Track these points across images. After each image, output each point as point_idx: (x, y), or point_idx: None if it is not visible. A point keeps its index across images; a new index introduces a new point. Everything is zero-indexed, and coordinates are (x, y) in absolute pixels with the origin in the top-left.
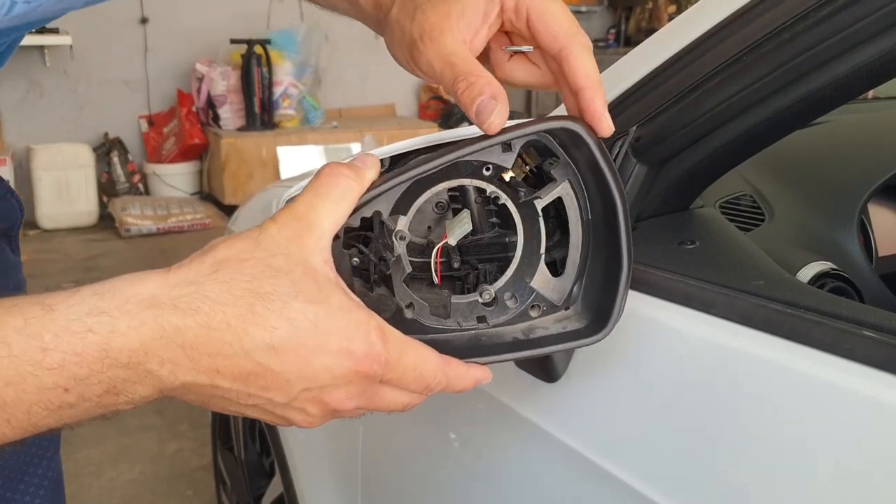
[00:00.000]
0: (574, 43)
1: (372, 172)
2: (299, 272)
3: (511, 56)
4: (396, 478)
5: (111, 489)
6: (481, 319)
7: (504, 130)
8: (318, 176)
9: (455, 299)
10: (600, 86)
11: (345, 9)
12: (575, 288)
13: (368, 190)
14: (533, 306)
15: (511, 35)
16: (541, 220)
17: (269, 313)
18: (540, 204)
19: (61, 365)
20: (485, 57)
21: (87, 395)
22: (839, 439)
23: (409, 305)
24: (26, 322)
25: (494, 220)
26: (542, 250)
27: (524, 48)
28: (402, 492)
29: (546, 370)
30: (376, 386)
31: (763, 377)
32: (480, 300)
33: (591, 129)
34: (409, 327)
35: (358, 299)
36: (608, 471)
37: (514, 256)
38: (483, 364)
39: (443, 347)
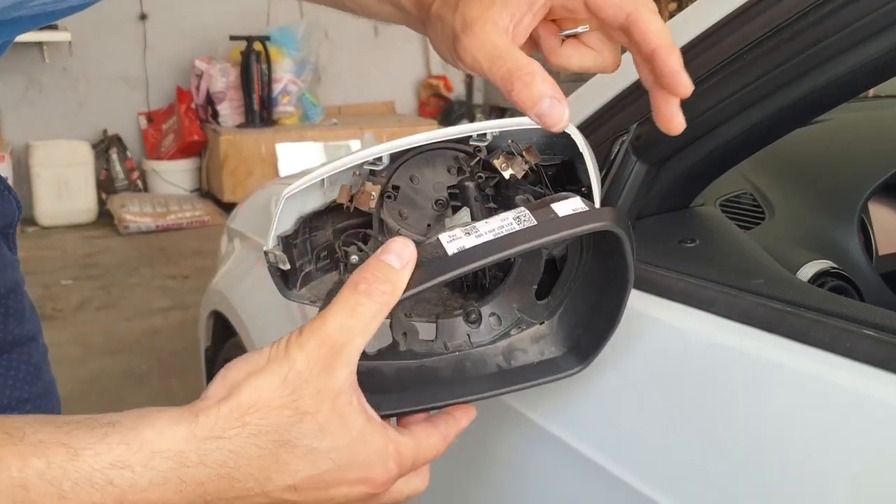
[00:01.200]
0: (641, 6)
1: (407, 273)
2: (326, 410)
3: (563, 41)
4: None
5: None
6: (465, 337)
7: (545, 225)
8: (354, 289)
9: (442, 319)
10: (674, 45)
11: (388, 13)
12: (555, 306)
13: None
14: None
15: (558, 21)
16: (543, 259)
17: (293, 458)
18: (545, 254)
19: None
20: (531, 46)
21: None
22: (839, 438)
23: (404, 335)
24: (48, 466)
25: (492, 205)
26: (535, 283)
27: (580, 29)
28: None
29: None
30: (383, 493)
31: (763, 376)
32: (465, 318)
33: (627, 226)
34: (402, 357)
35: (378, 419)
36: (608, 469)
37: (508, 278)
38: (466, 403)
39: (432, 377)
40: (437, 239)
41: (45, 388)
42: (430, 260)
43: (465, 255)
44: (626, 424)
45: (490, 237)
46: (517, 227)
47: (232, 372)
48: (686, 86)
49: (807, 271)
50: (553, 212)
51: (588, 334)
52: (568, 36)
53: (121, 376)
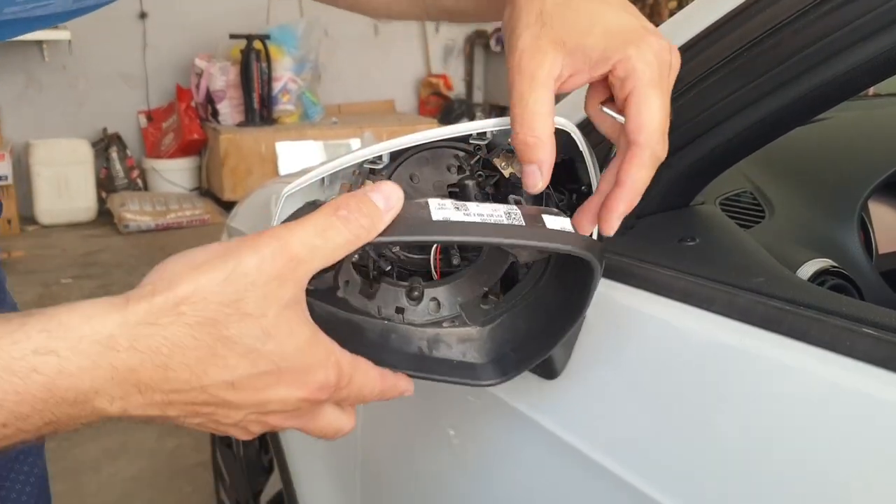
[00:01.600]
0: (645, 148)
1: (389, 217)
2: (272, 316)
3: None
4: (395, 474)
5: (110, 485)
6: (399, 311)
7: (533, 231)
8: (333, 211)
9: (386, 282)
10: (636, 194)
11: (477, 7)
12: (493, 316)
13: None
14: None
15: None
16: (506, 266)
17: (231, 354)
18: (512, 260)
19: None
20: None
21: (25, 429)
22: (839, 437)
23: (347, 283)
24: None
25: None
26: (488, 286)
27: (618, 118)
28: (401, 488)
29: (545, 367)
30: (318, 408)
31: (762, 374)
32: (408, 293)
33: (602, 264)
34: (335, 303)
35: (317, 329)
36: (607, 468)
37: (462, 272)
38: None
39: (359, 335)
40: (426, 202)
41: None
42: (412, 217)
43: (447, 225)
44: (625, 423)
45: (476, 220)
46: (504, 221)
47: (170, 264)
48: (608, 230)
49: (807, 270)
50: (542, 221)
51: (515, 354)
52: (607, 114)
53: None
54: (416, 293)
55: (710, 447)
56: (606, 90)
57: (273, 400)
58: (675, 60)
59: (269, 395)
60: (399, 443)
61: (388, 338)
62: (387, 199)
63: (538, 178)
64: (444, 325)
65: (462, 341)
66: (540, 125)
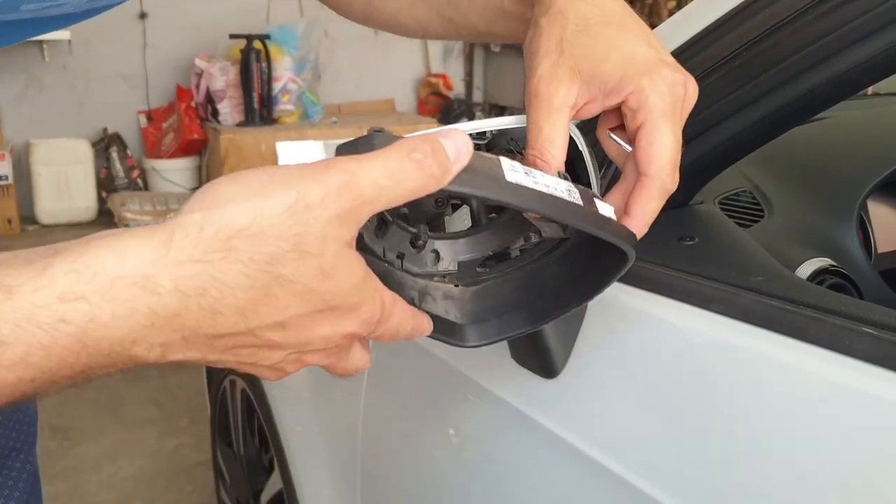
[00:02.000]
0: (655, 181)
1: (457, 168)
2: (329, 256)
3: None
4: (395, 473)
5: (110, 484)
6: (400, 256)
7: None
8: (407, 153)
9: (398, 225)
10: (644, 225)
11: (508, 30)
12: (479, 282)
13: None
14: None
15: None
16: (521, 237)
17: (285, 294)
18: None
19: (24, 360)
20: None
21: (56, 380)
22: (838, 436)
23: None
24: None
25: (493, 215)
26: (493, 252)
27: (626, 146)
28: (401, 487)
29: (544, 366)
30: (351, 344)
31: (762, 374)
32: (412, 240)
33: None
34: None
35: (367, 266)
36: (607, 467)
37: (472, 231)
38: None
39: None
40: (499, 160)
41: None
42: (484, 172)
43: (520, 190)
44: (625, 422)
45: (544, 189)
46: (566, 198)
47: (221, 187)
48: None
49: (806, 269)
50: (595, 205)
51: (497, 321)
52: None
53: (119, 374)
54: (419, 242)
55: (709, 446)
56: (618, 116)
57: (318, 338)
58: (692, 93)
59: (316, 334)
60: (399, 442)
61: (386, 280)
62: (457, 150)
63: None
64: (435, 279)
65: (445, 298)
66: (551, 151)
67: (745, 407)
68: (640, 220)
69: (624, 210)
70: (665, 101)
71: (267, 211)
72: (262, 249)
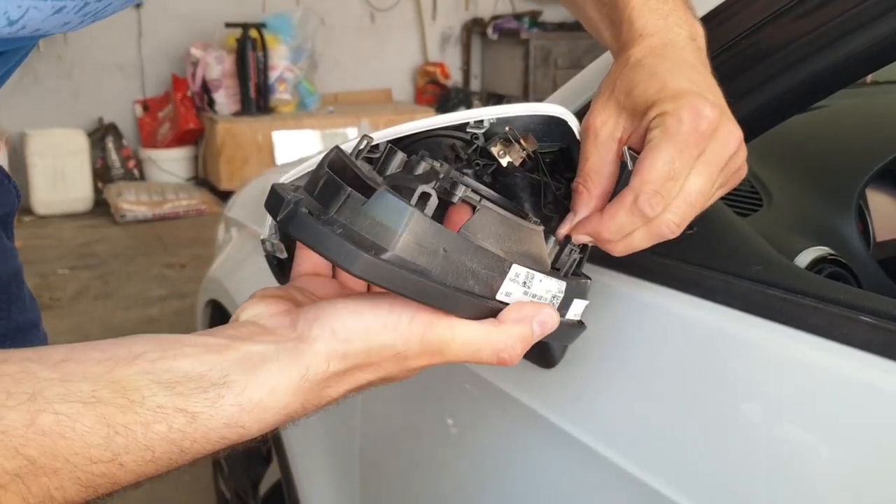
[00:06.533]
0: (630, 191)
1: (536, 338)
2: (425, 361)
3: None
4: (394, 463)
5: None
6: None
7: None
8: (495, 352)
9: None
10: (604, 232)
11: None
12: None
13: None
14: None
15: None
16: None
17: (373, 375)
18: None
19: (194, 458)
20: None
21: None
22: (836, 425)
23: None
24: (170, 430)
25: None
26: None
27: (628, 162)
28: (400, 477)
29: (543, 356)
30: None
31: (761, 362)
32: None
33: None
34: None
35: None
36: (605, 456)
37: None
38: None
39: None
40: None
41: None
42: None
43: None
44: (623, 411)
45: (523, 299)
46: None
47: (337, 320)
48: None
49: (804, 258)
50: (570, 307)
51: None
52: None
53: None
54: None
55: (706, 434)
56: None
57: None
58: (724, 138)
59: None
60: (397, 431)
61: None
62: (542, 325)
63: (567, 222)
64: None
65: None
66: (594, 180)
67: (743, 396)
68: (602, 224)
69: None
70: (681, 126)
71: (377, 356)
72: (373, 375)
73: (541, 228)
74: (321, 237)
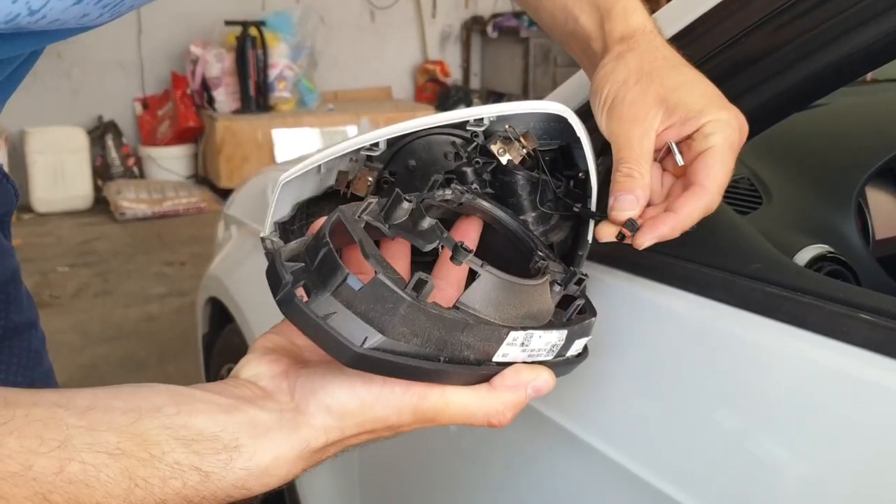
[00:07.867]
0: (709, 193)
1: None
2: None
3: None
4: (393, 461)
5: None
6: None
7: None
8: (486, 418)
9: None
10: (681, 226)
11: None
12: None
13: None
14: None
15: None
16: None
17: (370, 437)
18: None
19: None
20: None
21: None
22: (836, 422)
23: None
24: (184, 486)
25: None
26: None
27: (679, 159)
28: (400, 475)
29: None
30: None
31: (759, 360)
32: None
33: None
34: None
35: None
36: (605, 454)
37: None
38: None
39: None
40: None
41: (46, 373)
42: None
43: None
44: (623, 409)
45: (520, 360)
46: (542, 357)
47: (333, 397)
48: (638, 239)
49: (804, 256)
50: (571, 347)
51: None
52: (667, 151)
53: (118, 363)
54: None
55: (707, 432)
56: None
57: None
58: (745, 136)
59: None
60: None
61: None
62: (537, 391)
63: (634, 206)
64: None
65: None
66: (643, 164)
67: (743, 393)
68: (685, 218)
69: (667, 207)
70: (734, 136)
71: (374, 424)
72: (365, 439)
73: (545, 280)
74: (312, 328)
